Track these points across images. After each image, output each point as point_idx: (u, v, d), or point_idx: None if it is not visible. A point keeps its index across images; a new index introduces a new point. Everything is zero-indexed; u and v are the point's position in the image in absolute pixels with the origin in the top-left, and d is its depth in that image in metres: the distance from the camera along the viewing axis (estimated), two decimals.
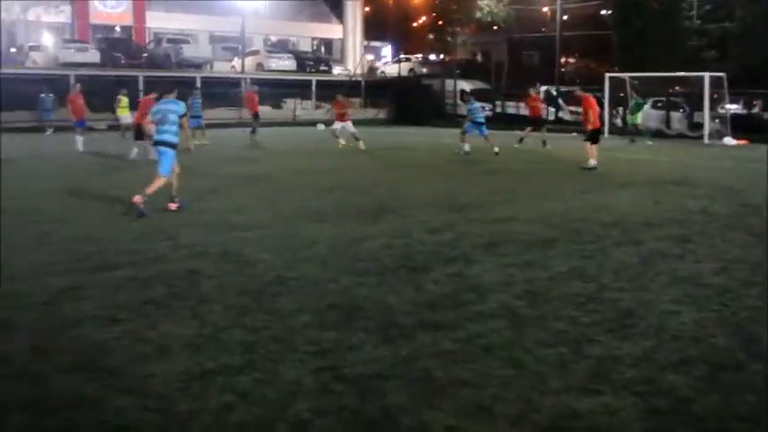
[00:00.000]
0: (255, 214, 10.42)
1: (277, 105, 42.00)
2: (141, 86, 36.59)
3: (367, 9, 57.96)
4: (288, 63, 43.84)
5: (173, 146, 10.59)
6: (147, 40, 47.50)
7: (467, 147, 20.67)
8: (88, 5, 46.93)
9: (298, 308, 5.86)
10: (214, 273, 6.98)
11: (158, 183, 10.52)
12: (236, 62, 45.34)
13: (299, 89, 40.50)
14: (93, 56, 38.60)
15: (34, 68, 38.57)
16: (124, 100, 25.17)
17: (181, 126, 10.72)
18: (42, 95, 30.72)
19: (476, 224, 9.59)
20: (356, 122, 38.76)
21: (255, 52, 45.92)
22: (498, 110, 39.14)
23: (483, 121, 21.02)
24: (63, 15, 45.12)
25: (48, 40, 45.16)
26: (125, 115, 24.70)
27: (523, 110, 30.26)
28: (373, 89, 45.53)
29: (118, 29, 49.61)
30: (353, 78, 45.19)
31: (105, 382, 4.38)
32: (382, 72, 50.90)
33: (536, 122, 24.34)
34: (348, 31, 56.29)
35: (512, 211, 10.60)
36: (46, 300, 6.08)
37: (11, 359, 4.72)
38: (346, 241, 8.46)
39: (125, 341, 5.09)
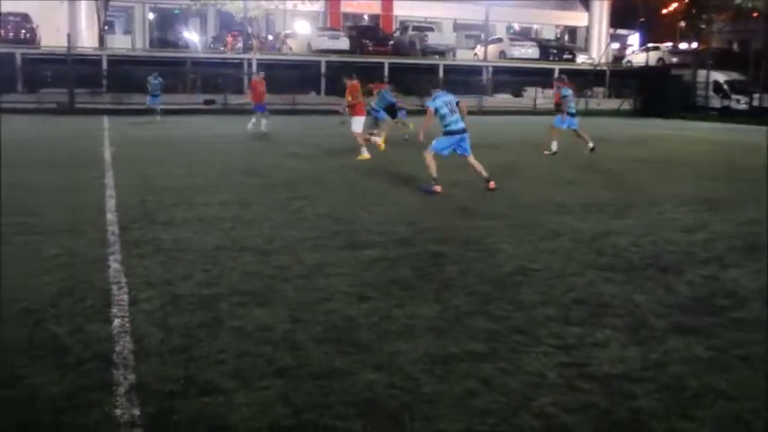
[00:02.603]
0: (495, 203, 10.42)
1: (518, 93, 41.77)
2: (386, 73, 37.87)
3: None
4: (530, 51, 43.50)
5: (465, 130, 11.43)
6: (394, 28, 48.94)
7: (554, 145, 17.29)
8: None
9: (541, 300, 5.78)
10: (457, 258, 7.05)
11: (476, 164, 11.59)
12: (479, 50, 45.58)
13: (540, 77, 39.95)
14: (344, 43, 40.30)
15: (289, 55, 41.06)
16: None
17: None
18: (150, 78, 27.72)
19: (730, 224, 8.99)
20: (598, 113, 37.95)
21: (498, 40, 45.92)
22: (755, 103, 36.42)
23: (574, 111, 17.90)
24: (317, 4, 47.50)
25: (302, 27, 47.80)
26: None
27: None
28: (618, 79, 44.06)
29: (366, 17, 51.57)
30: (598, 67, 43.92)
31: (355, 357, 4.56)
32: (628, 61, 49.12)
33: None
34: (594, 19, 54.87)
35: None
36: (301, 273, 6.44)
37: (273, 327, 5.04)
38: (590, 235, 8.23)
39: (373, 318, 5.27)
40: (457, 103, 11.44)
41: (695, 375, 4.38)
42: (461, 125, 11.37)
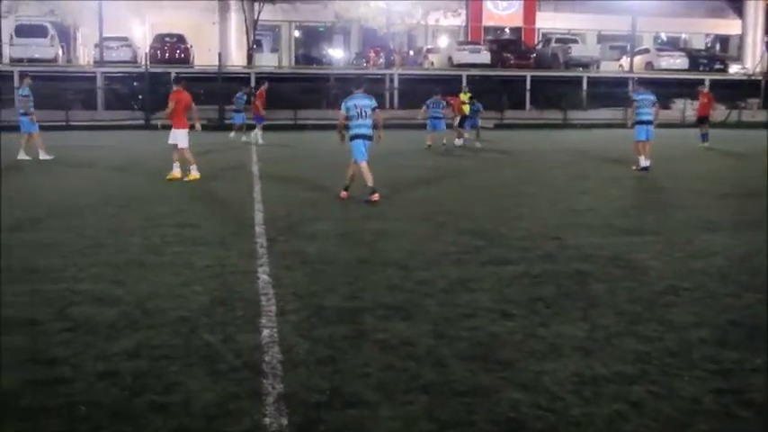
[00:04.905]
0: (642, 218, 10.09)
1: (665, 106, 40.26)
2: (528, 86, 37.53)
3: None
4: (679, 62, 41.91)
5: (370, 138, 11.40)
6: (536, 41, 48.40)
7: (642, 161, 15.56)
8: (482, 8, 49.09)
9: (694, 321, 5.53)
10: (603, 276, 6.86)
11: (367, 172, 11.33)
12: (624, 61, 44.40)
13: (689, 89, 38.40)
14: (485, 57, 40.12)
15: (430, 69, 41.32)
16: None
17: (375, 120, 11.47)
18: (238, 94, 27.24)
19: None
20: (752, 125, 36.02)
21: (645, 51, 44.57)
22: None
23: (651, 119, 15.85)
24: (459, 19, 47.63)
25: (443, 42, 48.03)
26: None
27: None
28: None
29: (508, 30, 51.25)
30: (752, 77, 41.82)
31: (499, 374, 4.50)
32: None
33: None
34: (748, 26, 52.20)
35: None
36: (444, 288, 6.44)
37: (416, 342, 5.06)
38: (745, 254, 7.82)
39: (518, 336, 5.20)
40: (373, 110, 11.30)
41: None
42: (364, 131, 11.27)
